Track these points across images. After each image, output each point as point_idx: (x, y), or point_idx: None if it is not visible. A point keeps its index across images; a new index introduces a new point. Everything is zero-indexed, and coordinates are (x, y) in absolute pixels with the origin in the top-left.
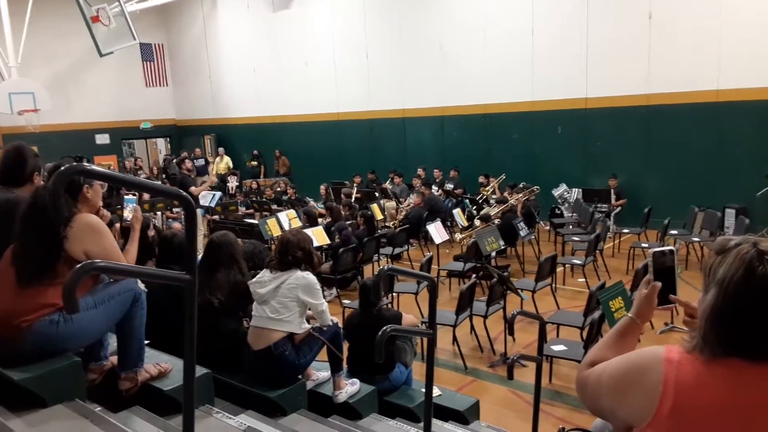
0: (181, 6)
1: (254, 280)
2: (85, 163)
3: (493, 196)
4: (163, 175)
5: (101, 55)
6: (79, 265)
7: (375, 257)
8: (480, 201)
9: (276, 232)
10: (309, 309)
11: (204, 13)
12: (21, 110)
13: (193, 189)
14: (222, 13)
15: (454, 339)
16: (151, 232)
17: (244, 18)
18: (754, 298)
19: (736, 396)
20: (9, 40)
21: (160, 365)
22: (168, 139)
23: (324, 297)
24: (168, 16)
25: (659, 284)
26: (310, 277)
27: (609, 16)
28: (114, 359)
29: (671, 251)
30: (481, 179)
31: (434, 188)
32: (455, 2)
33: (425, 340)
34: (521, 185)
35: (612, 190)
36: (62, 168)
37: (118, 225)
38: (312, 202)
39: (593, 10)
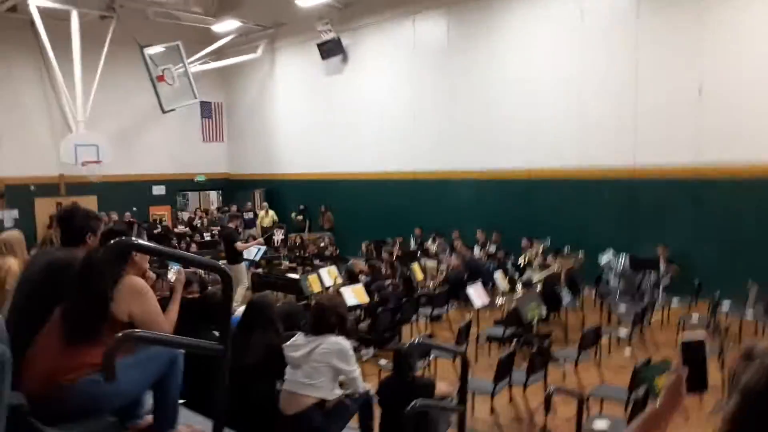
0: (241, 68)
1: (288, 343)
2: (133, 239)
3: (536, 261)
4: (212, 228)
5: (164, 111)
6: (120, 334)
7: (414, 317)
8: (522, 266)
9: (317, 288)
10: (341, 375)
11: (262, 74)
12: (85, 161)
13: (238, 245)
14: (279, 76)
15: (492, 409)
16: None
17: (299, 81)
18: None
19: None
20: (79, 95)
21: (194, 427)
22: (220, 191)
23: (361, 356)
24: (228, 76)
25: (685, 372)
26: (343, 342)
27: (659, 84)
28: (150, 418)
29: (702, 342)
30: (524, 242)
31: (476, 250)
32: (502, 68)
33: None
34: (565, 250)
35: (661, 258)
36: (112, 243)
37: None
38: (356, 261)
39: (642, 77)
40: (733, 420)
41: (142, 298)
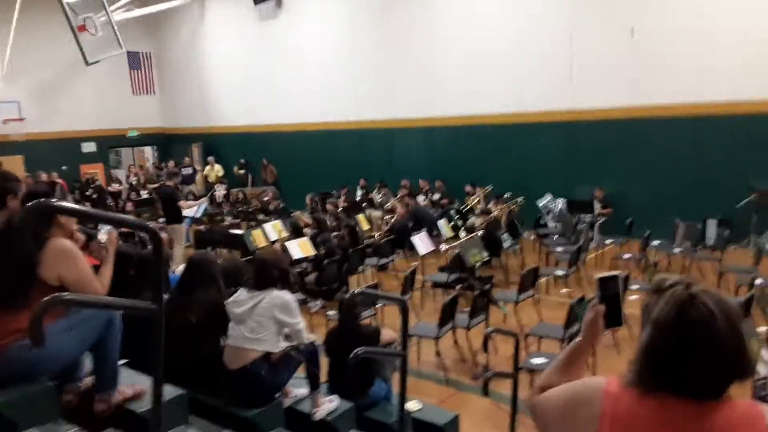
0: (169, 16)
1: (231, 299)
2: (53, 200)
3: (478, 207)
4: (150, 185)
5: (87, 64)
6: (45, 299)
7: (360, 268)
8: (465, 211)
9: (261, 243)
10: (286, 328)
11: (192, 22)
12: (6, 119)
13: (181, 203)
14: (209, 23)
15: (437, 351)
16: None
17: (231, 27)
18: (682, 339)
19: (663, 428)
20: None
21: (135, 387)
22: (155, 147)
23: (309, 308)
24: (156, 25)
25: (602, 308)
26: (286, 296)
27: (594, 29)
28: (90, 380)
29: (615, 276)
30: (468, 188)
31: (421, 198)
32: (440, 14)
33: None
34: (506, 196)
35: (596, 201)
36: (29, 205)
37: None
38: (299, 213)
39: (577, 22)
40: (645, 350)
41: (71, 260)
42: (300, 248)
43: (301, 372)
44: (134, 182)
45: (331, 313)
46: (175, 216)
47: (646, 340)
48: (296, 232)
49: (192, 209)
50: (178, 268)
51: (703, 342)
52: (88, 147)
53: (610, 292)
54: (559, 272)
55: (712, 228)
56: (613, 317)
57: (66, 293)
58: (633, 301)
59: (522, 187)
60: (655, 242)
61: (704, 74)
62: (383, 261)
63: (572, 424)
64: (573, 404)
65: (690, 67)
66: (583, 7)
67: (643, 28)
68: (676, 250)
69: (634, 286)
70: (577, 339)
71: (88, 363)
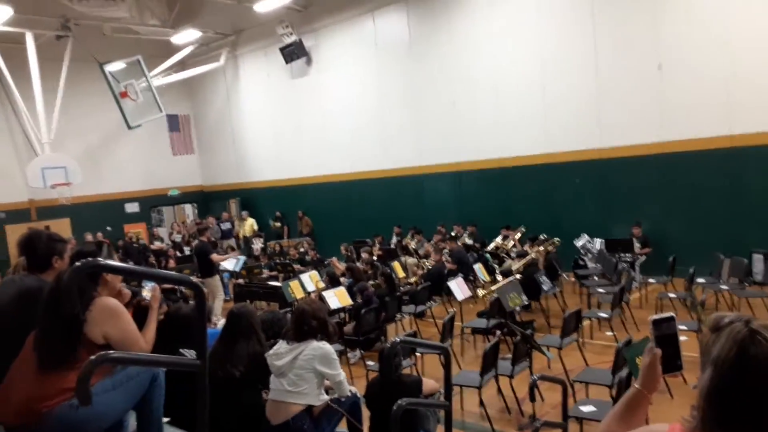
0: (204, 78)
1: (271, 352)
2: (100, 259)
3: (514, 250)
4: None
5: (129, 127)
6: (92, 357)
7: (398, 316)
8: (501, 255)
9: (299, 295)
10: (327, 380)
11: (227, 83)
12: (54, 184)
13: (214, 256)
14: (244, 83)
15: (481, 401)
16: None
17: (264, 86)
18: (747, 379)
19: None
20: (42, 117)
21: None
22: (195, 204)
23: (348, 359)
24: (192, 88)
25: (659, 352)
26: (326, 347)
27: (618, 65)
28: None
29: (671, 318)
30: (503, 232)
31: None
32: (465, 60)
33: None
34: (541, 237)
35: (635, 239)
36: (77, 265)
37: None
38: (335, 260)
39: (602, 61)
40: (709, 392)
41: (116, 319)
42: (337, 298)
43: (342, 425)
44: (177, 239)
45: (371, 363)
46: (209, 271)
47: (707, 382)
48: (333, 281)
49: (231, 262)
50: (220, 322)
51: (767, 380)
52: (131, 207)
53: (666, 335)
54: (603, 314)
55: (759, 262)
56: (671, 361)
57: (113, 351)
58: (682, 342)
59: (556, 228)
60: (700, 279)
61: (733, 106)
62: (420, 308)
63: None
64: None
65: (719, 99)
66: (609, 45)
67: (670, 63)
68: (723, 287)
69: (682, 327)
70: (635, 385)
71: (132, 422)
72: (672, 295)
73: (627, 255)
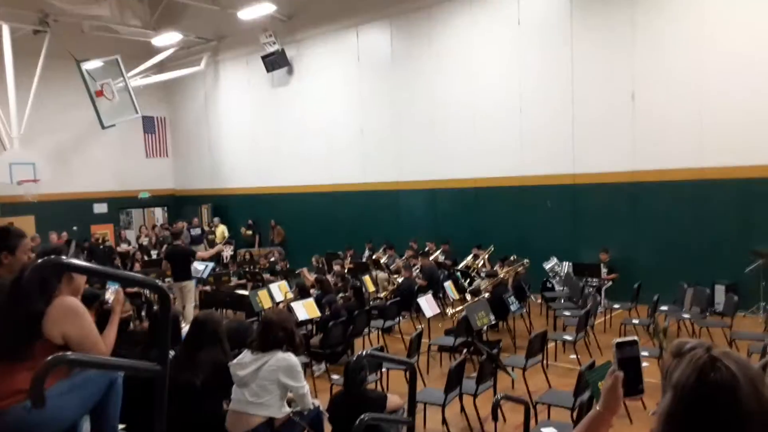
0: (184, 82)
1: (235, 361)
2: (63, 257)
3: (484, 270)
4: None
5: (103, 127)
6: (49, 358)
7: (366, 330)
8: (471, 274)
9: (267, 304)
10: (290, 392)
11: (206, 88)
12: (21, 180)
13: (201, 253)
14: (223, 89)
15: (444, 420)
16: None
17: (244, 93)
18: (705, 404)
19: None
20: (13, 112)
21: None
22: (165, 208)
23: (313, 372)
24: (171, 91)
25: (621, 375)
26: (291, 358)
27: (594, 95)
28: None
29: (635, 341)
30: (474, 251)
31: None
32: (445, 81)
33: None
34: (512, 258)
35: (602, 264)
36: (41, 261)
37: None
38: (305, 271)
39: (578, 86)
40: (668, 416)
41: (76, 319)
42: (305, 309)
43: None
44: (145, 243)
45: (336, 377)
46: (187, 273)
47: (666, 406)
48: (302, 292)
49: (198, 269)
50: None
51: (725, 407)
52: (100, 208)
53: (629, 357)
54: (568, 337)
55: (720, 293)
56: (633, 385)
57: (70, 353)
58: (643, 368)
59: (526, 249)
60: (664, 307)
61: (704, 138)
62: (389, 323)
63: None
64: None
65: (690, 131)
66: (584, 72)
67: (643, 95)
68: (685, 315)
69: (644, 353)
70: (596, 408)
71: (87, 426)
72: (635, 321)
73: (594, 279)
